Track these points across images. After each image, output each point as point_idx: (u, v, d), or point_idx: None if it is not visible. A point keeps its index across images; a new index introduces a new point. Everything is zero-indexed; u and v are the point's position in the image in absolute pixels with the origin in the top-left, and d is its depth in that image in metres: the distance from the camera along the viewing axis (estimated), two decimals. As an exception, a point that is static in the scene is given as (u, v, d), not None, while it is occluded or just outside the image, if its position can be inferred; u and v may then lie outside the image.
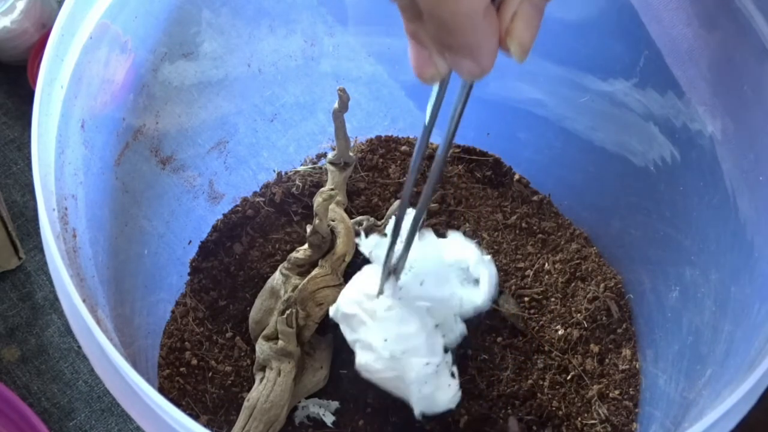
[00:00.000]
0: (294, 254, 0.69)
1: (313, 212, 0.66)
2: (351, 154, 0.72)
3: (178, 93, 0.65)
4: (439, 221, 0.75)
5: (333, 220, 0.68)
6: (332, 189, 0.68)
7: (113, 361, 0.46)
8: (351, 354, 0.70)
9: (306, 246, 0.68)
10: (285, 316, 0.66)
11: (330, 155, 0.70)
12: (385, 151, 0.77)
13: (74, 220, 0.52)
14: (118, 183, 0.61)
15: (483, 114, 0.74)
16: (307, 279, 0.67)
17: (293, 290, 0.67)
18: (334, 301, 0.68)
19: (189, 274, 0.74)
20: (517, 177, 0.77)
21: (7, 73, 0.89)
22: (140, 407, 0.46)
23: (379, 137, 0.78)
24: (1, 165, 0.85)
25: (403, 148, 0.77)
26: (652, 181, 0.69)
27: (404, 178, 0.76)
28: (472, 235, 0.75)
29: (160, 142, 0.64)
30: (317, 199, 0.67)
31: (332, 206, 0.68)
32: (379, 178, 0.76)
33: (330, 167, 0.70)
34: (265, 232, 0.75)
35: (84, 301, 0.47)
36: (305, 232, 0.70)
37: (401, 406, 0.68)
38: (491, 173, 0.77)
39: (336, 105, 0.65)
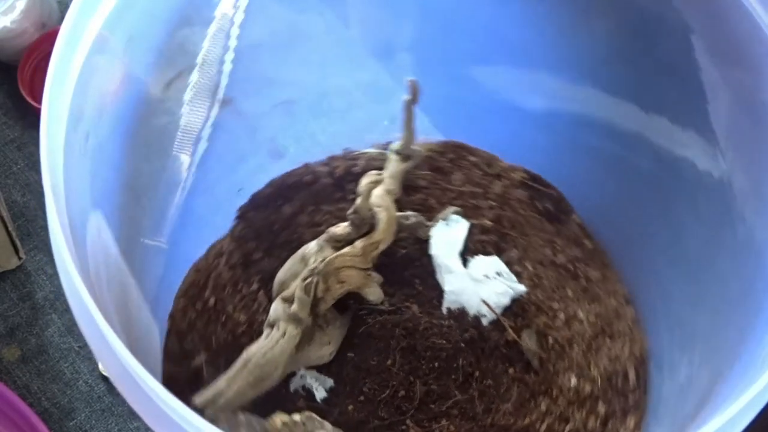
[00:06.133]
0: (334, 228, 0.69)
1: (357, 191, 0.66)
2: (417, 148, 0.72)
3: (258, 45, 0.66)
4: (489, 239, 0.74)
5: (379, 206, 0.68)
6: (380, 174, 0.68)
7: (116, 352, 0.45)
8: (362, 339, 0.71)
9: (347, 223, 0.68)
10: (305, 283, 0.66)
11: (395, 144, 0.70)
12: (455, 157, 0.77)
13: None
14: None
15: (555, 143, 0.72)
16: (336, 254, 0.67)
17: (322, 261, 0.67)
18: (357, 283, 0.68)
19: (236, 218, 0.75)
20: (577, 219, 0.76)
21: (7, 73, 0.89)
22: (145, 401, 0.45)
23: (453, 142, 0.77)
24: (1, 165, 0.85)
25: (473, 158, 0.77)
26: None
27: (466, 187, 0.75)
28: (516, 262, 0.74)
29: (226, 83, 0.64)
30: (363, 180, 0.67)
31: (382, 193, 0.68)
32: (442, 181, 0.76)
33: (392, 155, 0.70)
34: (317, 202, 0.76)
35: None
36: (354, 211, 0.70)
37: (392, 404, 0.68)
38: (552, 207, 0.76)
39: (406, 96, 0.65)
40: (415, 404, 0.68)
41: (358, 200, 0.66)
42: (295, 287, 0.67)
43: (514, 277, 0.73)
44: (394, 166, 0.70)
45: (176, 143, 0.64)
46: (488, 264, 0.72)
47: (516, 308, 0.72)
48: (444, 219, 0.73)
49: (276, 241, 0.75)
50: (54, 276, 0.80)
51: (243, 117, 0.68)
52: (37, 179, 0.84)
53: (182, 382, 0.68)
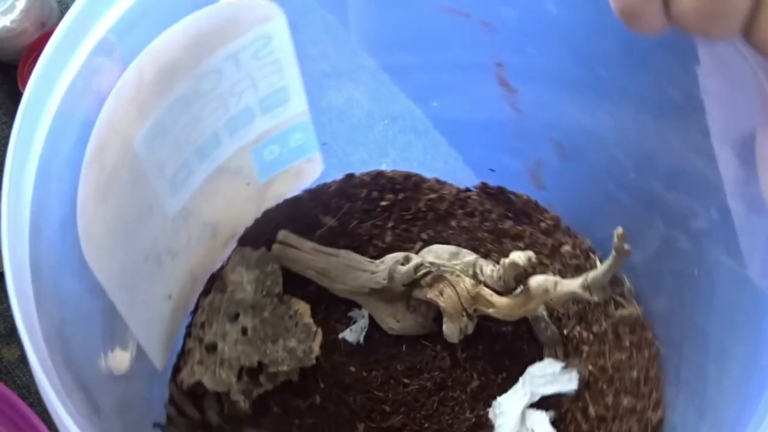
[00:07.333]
0: (487, 263, 0.67)
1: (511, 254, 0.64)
2: (621, 303, 0.67)
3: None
4: (579, 422, 0.68)
5: (525, 290, 0.64)
6: (536, 258, 0.63)
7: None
8: (418, 350, 0.70)
9: (497, 269, 0.66)
10: (422, 264, 0.67)
11: (593, 271, 0.63)
12: (637, 342, 0.68)
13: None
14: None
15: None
16: (461, 273, 0.66)
17: (457, 268, 0.67)
18: (448, 308, 0.67)
19: (476, 188, 0.76)
20: None
21: (7, 73, 0.87)
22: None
23: (649, 337, 0.68)
24: (0, 165, 0.83)
25: (649, 365, 0.69)
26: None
27: (613, 371, 0.68)
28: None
29: (515, 68, 0.62)
30: (518, 253, 0.63)
31: (543, 286, 0.63)
32: (607, 346, 0.69)
33: (585, 275, 0.64)
34: (531, 243, 0.73)
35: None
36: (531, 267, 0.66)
37: (369, 406, 0.68)
38: None
39: (615, 246, 0.58)
40: (381, 426, 0.68)
41: (506, 262, 0.63)
42: (419, 260, 0.68)
43: (548, 461, 0.67)
44: (575, 282, 0.64)
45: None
46: (545, 429, 0.67)
47: (524, 479, 0.67)
48: (567, 367, 0.68)
49: (475, 223, 0.74)
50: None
51: (517, 111, 0.66)
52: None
53: (299, 215, 0.74)
